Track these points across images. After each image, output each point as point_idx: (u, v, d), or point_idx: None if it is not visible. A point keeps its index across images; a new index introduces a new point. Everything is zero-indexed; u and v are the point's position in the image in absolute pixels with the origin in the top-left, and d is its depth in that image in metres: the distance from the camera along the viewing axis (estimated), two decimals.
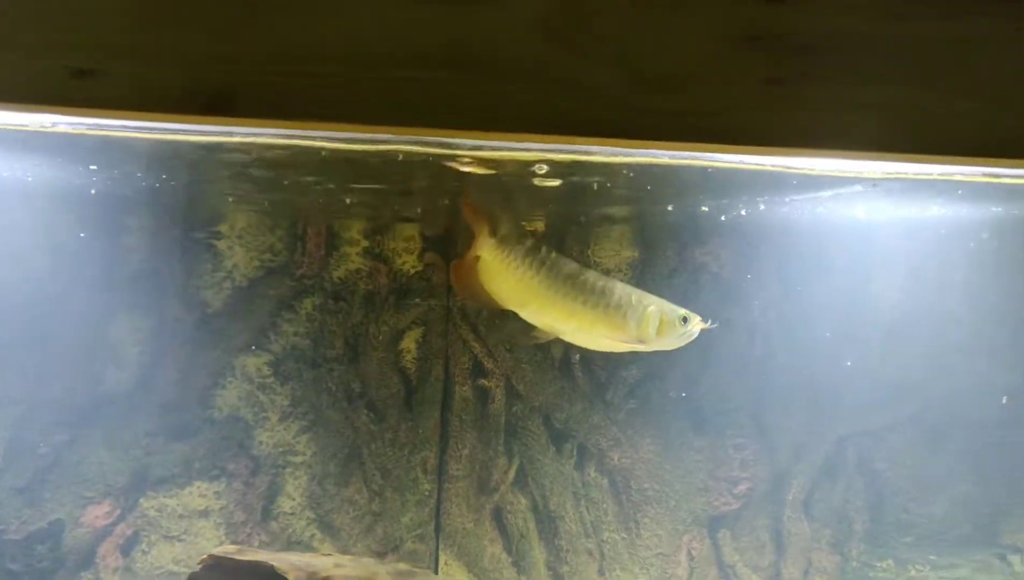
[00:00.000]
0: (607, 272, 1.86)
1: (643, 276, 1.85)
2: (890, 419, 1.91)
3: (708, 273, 1.85)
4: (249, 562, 1.34)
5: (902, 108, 0.85)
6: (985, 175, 1.06)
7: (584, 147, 1.22)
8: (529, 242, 1.44)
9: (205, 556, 1.36)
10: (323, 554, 1.44)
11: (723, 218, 1.76)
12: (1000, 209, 1.65)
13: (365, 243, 1.82)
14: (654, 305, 1.41)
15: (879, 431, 1.91)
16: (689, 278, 1.84)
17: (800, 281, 1.82)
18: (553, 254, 1.45)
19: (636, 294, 1.43)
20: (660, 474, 1.83)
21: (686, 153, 1.15)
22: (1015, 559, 1.80)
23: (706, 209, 1.75)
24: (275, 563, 1.32)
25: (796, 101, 0.83)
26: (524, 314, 1.45)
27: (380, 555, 1.74)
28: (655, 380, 1.86)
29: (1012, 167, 0.93)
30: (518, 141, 0.92)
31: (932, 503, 1.90)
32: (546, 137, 0.84)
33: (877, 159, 0.88)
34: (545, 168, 1.38)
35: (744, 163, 1.24)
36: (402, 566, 1.41)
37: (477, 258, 1.42)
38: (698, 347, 1.83)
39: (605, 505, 1.83)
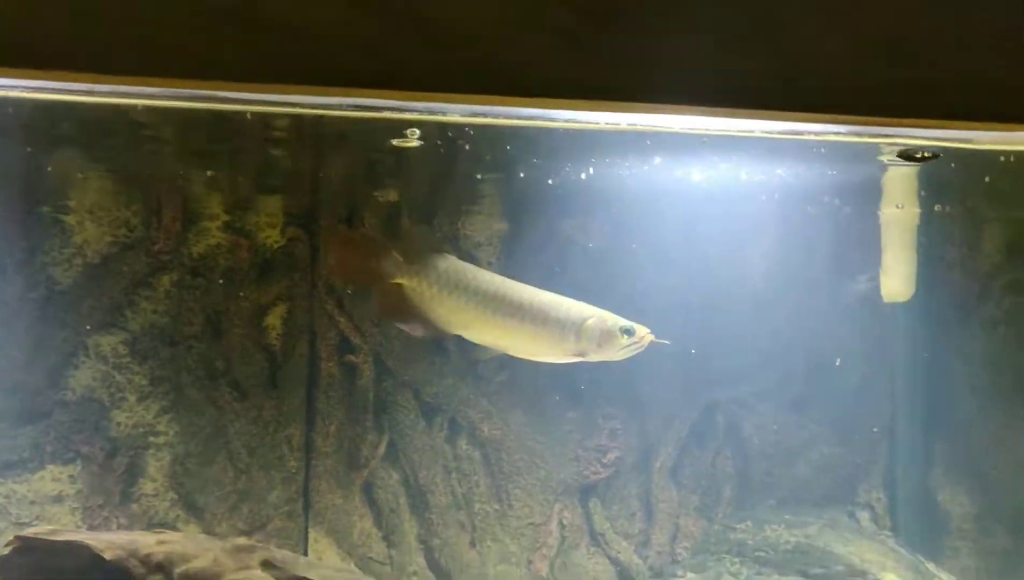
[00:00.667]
0: (478, 245, 1.86)
1: (513, 250, 1.85)
2: (758, 386, 1.96)
3: (577, 246, 1.86)
4: (64, 542, 1.28)
5: (702, 62, 0.86)
6: (787, 133, 1.07)
7: (442, 105, 1.20)
8: (445, 261, 1.41)
9: (11, 539, 1.30)
10: (150, 531, 1.39)
11: (588, 185, 1.76)
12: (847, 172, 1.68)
13: (226, 217, 1.77)
14: (593, 318, 1.41)
15: (747, 398, 1.96)
16: (558, 252, 1.85)
17: (668, 249, 1.84)
18: (470, 270, 1.42)
19: (575, 307, 1.43)
20: (531, 445, 1.84)
21: (526, 111, 1.13)
22: (863, 515, 1.87)
23: (573, 176, 1.76)
24: (92, 542, 1.27)
25: (594, 53, 0.83)
26: (468, 336, 1.44)
27: (247, 534, 1.70)
28: None
29: (813, 122, 0.94)
30: (318, 96, 0.89)
31: (795, 466, 1.97)
32: (345, 91, 0.82)
33: (675, 112, 0.89)
34: (418, 132, 1.36)
35: (597, 122, 1.21)
36: (241, 541, 1.37)
37: (399, 285, 1.39)
38: None
39: (476, 477, 1.83)
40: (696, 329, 1.83)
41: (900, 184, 1.54)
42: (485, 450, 1.83)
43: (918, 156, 1.33)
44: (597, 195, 1.79)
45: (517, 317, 1.41)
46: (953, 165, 1.48)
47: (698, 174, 1.72)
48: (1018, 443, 1.91)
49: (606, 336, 1.42)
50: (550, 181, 1.78)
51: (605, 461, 1.87)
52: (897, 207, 1.66)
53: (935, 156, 1.31)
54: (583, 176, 1.77)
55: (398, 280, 1.40)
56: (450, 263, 1.42)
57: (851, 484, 1.95)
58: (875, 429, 1.92)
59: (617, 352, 1.45)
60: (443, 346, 1.81)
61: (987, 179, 1.72)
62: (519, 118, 1.20)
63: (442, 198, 1.81)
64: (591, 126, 1.14)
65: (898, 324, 1.93)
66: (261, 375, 1.76)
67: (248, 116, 1.38)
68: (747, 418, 1.93)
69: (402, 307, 1.41)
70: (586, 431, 1.85)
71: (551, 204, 1.83)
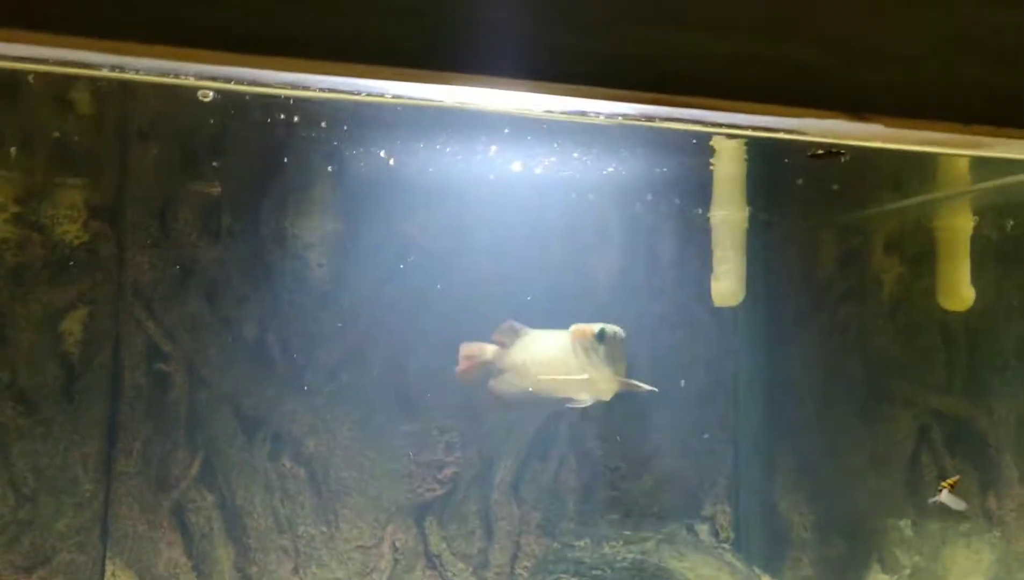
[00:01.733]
0: (307, 247, 1.72)
1: (349, 251, 1.72)
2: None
3: (417, 246, 1.75)
4: None
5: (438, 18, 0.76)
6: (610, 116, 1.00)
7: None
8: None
9: None
10: None
11: (431, 179, 1.66)
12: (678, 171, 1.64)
13: (15, 209, 1.57)
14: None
15: (590, 409, 1.90)
16: (397, 253, 1.74)
17: (508, 250, 1.76)
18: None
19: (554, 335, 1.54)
20: (361, 462, 1.71)
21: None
22: (702, 528, 1.84)
23: (413, 168, 1.65)
24: None
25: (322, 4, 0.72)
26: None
27: (27, 571, 1.49)
28: (359, 361, 1.74)
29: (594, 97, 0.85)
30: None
31: (639, 479, 1.92)
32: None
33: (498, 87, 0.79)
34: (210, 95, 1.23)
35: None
36: None
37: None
38: (407, 325, 1.75)
39: (302, 498, 1.68)
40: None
41: (729, 186, 1.51)
42: (311, 468, 1.69)
43: (821, 153, 1.26)
44: (438, 191, 1.69)
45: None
46: (787, 162, 1.47)
47: (538, 167, 1.64)
48: (853, 451, 1.94)
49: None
50: (388, 175, 1.67)
51: (441, 477, 1.75)
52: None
53: (836, 153, 1.24)
54: (427, 169, 1.67)
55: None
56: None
57: (696, 496, 1.91)
58: (705, 435, 1.89)
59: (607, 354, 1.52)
60: (266, 353, 1.66)
61: (834, 187, 1.73)
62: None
63: (267, 191, 1.67)
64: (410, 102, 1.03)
65: (739, 332, 1.92)
66: (54, 386, 1.56)
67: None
68: (590, 429, 1.87)
69: None
70: (420, 445, 1.74)
71: (389, 200, 1.72)
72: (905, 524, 1.85)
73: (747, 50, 0.87)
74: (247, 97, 1.27)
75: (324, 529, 1.69)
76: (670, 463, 1.91)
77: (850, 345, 1.91)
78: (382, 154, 1.68)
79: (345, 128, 1.54)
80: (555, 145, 1.55)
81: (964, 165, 1.46)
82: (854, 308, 1.91)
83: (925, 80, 0.90)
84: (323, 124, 1.53)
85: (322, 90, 0.92)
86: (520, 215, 1.74)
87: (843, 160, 1.18)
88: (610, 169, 1.64)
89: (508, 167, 1.69)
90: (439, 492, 1.76)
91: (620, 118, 0.99)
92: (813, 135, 1.00)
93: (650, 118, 0.98)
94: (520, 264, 1.77)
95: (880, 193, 1.73)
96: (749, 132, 1.02)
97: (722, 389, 1.94)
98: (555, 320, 1.70)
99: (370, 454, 1.71)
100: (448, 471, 1.76)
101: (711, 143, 1.55)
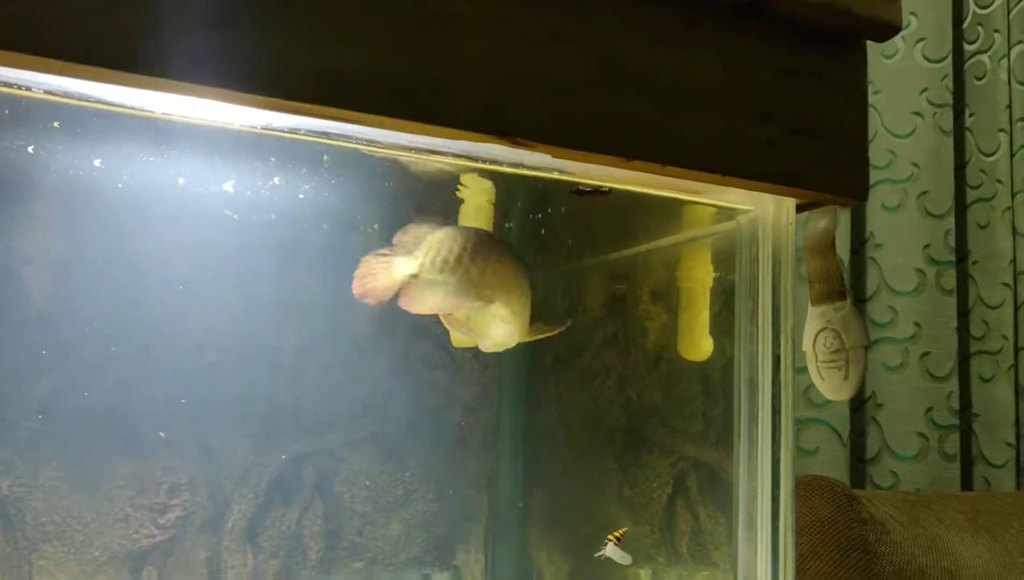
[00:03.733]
0: (24, 263, 1.55)
1: (72, 273, 1.56)
2: (350, 437, 1.81)
3: (149, 271, 1.61)
4: None
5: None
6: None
7: None
8: None
9: None
10: None
11: (159, 190, 1.53)
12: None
13: None
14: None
15: (337, 450, 1.81)
16: (128, 278, 1.59)
17: (253, 280, 1.66)
18: None
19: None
20: (65, 505, 1.54)
21: None
22: (440, 577, 1.77)
23: (133, 180, 1.52)
24: None
25: None
26: None
27: None
28: (74, 393, 1.58)
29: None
30: None
31: (387, 524, 1.83)
32: None
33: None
34: None
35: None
36: None
37: None
38: (133, 355, 1.60)
39: None
40: (282, 371, 1.65)
41: (474, 222, 1.48)
42: (4, 511, 1.50)
43: (586, 190, 1.20)
44: (174, 211, 1.57)
45: None
46: (544, 200, 1.44)
47: (289, 189, 1.55)
48: (608, 500, 1.93)
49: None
50: (121, 192, 1.53)
51: (163, 522, 1.60)
52: None
53: (600, 192, 1.19)
54: (164, 187, 1.54)
55: None
56: None
57: (449, 544, 1.84)
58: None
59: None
60: None
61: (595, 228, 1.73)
62: None
63: None
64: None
65: (501, 375, 1.88)
66: None
67: None
68: (339, 472, 1.77)
69: None
70: (140, 486, 1.58)
71: (123, 218, 1.58)
72: (646, 574, 1.84)
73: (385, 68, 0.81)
74: None
75: None
76: (421, 508, 1.84)
77: (610, 392, 1.91)
78: (115, 168, 1.54)
79: (76, 136, 1.41)
80: (285, 168, 1.47)
81: (704, 213, 1.46)
82: (615, 355, 1.91)
83: (582, 113, 0.87)
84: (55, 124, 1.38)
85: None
86: (269, 241, 1.64)
87: (607, 195, 1.15)
88: (356, 199, 1.57)
89: (254, 187, 1.59)
90: (160, 538, 1.61)
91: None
92: (489, 162, 0.96)
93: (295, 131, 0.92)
94: (268, 295, 1.67)
95: (636, 238, 1.74)
96: (405, 153, 0.97)
97: (480, 433, 1.90)
98: (314, 352, 1.60)
99: (78, 497, 1.54)
100: (172, 515, 1.61)
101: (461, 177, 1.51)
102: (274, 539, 1.74)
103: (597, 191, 1.18)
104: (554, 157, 0.86)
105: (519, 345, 1.81)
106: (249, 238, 1.59)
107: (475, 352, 1.81)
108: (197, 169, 1.47)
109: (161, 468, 1.61)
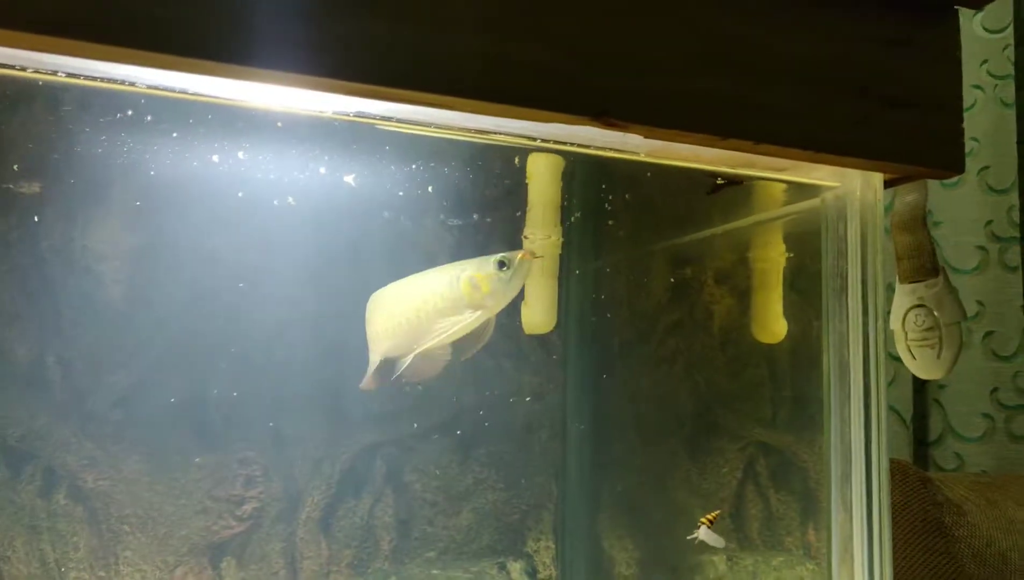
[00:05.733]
0: (100, 260, 1.57)
1: (148, 267, 1.58)
2: (419, 427, 1.82)
3: (224, 264, 1.63)
4: None
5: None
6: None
7: None
8: None
9: None
10: None
11: (232, 182, 1.54)
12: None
13: None
14: (468, 268, 1.32)
15: (407, 440, 1.82)
16: (202, 271, 1.61)
17: (322, 271, 1.66)
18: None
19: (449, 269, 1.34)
20: (147, 497, 1.56)
21: None
22: (515, 566, 1.77)
23: (209, 172, 1.53)
24: None
25: None
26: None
27: None
28: (152, 386, 1.60)
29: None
30: None
31: (458, 514, 1.84)
32: None
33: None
34: None
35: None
36: None
37: None
38: (206, 349, 1.62)
39: (76, 538, 1.52)
40: (351, 362, 1.66)
41: (541, 209, 1.47)
42: (90, 505, 1.53)
43: (721, 182, 1.19)
44: (247, 204, 1.58)
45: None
46: (607, 186, 1.43)
47: (351, 180, 1.56)
48: (677, 486, 1.91)
49: (487, 280, 1.32)
50: (195, 184, 1.54)
51: (240, 513, 1.62)
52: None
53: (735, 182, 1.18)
54: (239, 179, 1.55)
55: None
56: None
57: (519, 532, 1.84)
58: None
59: (507, 287, 1.34)
60: (42, 377, 1.51)
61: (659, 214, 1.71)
62: None
63: (51, 194, 1.52)
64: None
65: (567, 361, 1.87)
66: None
67: None
68: (408, 462, 1.77)
69: None
70: (218, 478, 1.60)
71: (197, 211, 1.60)
72: (719, 559, 1.82)
73: (473, 48, 0.80)
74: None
75: (102, 574, 1.53)
76: (492, 497, 1.84)
77: (678, 377, 1.90)
78: (191, 160, 1.55)
79: (160, 126, 1.42)
80: (368, 156, 1.47)
81: (778, 192, 1.44)
82: (682, 339, 1.89)
83: (677, 91, 0.86)
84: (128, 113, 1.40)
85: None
86: (334, 232, 1.65)
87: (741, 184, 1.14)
88: (422, 185, 1.57)
89: (323, 179, 1.60)
90: (238, 530, 1.63)
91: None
92: (579, 144, 0.95)
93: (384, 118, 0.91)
94: (332, 285, 1.68)
95: (708, 220, 1.72)
96: (504, 139, 0.96)
97: (548, 420, 1.89)
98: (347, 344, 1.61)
99: (159, 489, 1.57)
100: (248, 507, 1.63)
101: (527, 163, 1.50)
102: (347, 529, 1.75)
103: (731, 182, 1.17)
104: (646, 137, 0.85)
105: (582, 328, 1.80)
106: (320, 230, 1.60)
107: (541, 340, 1.81)
108: (259, 155, 1.48)
109: (237, 460, 1.63)
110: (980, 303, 2.62)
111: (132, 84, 0.74)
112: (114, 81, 0.73)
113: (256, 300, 1.59)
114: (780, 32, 0.84)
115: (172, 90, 0.75)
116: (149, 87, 0.75)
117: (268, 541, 1.67)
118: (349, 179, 1.53)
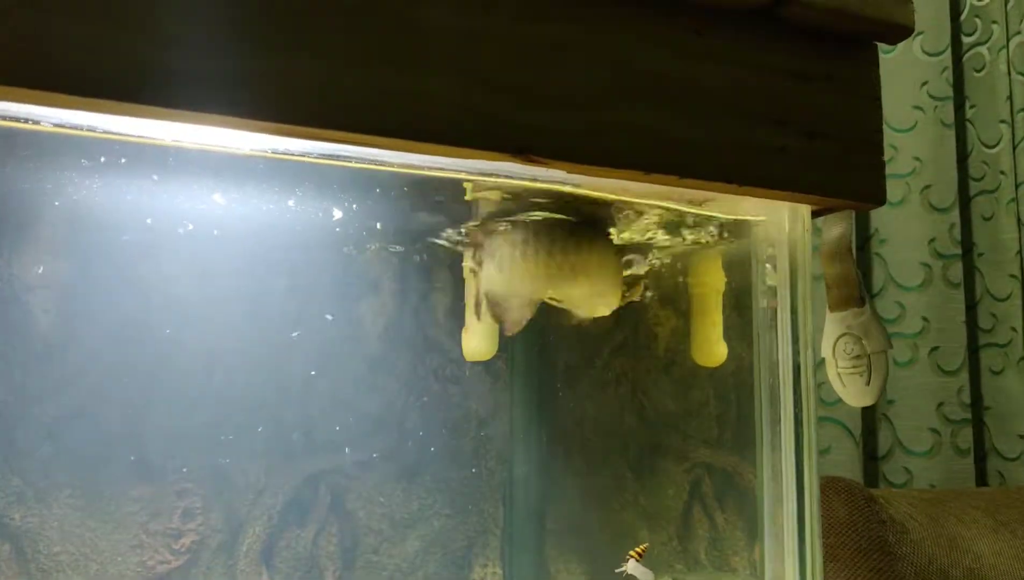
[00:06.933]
0: (29, 290, 1.54)
1: (79, 297, 1.55)
2: (364, 455, 1.80)
3: (158, 293, 1.60)
4: None
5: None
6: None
7: None
8: None
9: None
10: None
11: (165, 213, 1.52)
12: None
13: None
14: None
15: (350, 468, 1.80)
16: (136, 301, 1.58)
17: (264, 301, 1.64)
18: None
19: None
20: (79, 533, 1.52)
21: None
22: None
23: (139, 202, 1.51)
24: None
25: None
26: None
27: None
28: (83, 418, 1.56)
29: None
30: None
31: (403, 542, 1.82)
32: None
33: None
34: None
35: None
36: None
37: None
38: (141, 379, 1.59)
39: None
40: (293, 390, 1.64)
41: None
42: (18, 543, 1.49)
43: None
44: (183, 234, 1.56)
45: None
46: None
47: (292, 211, 1.54)
48: (624, 507, 1.91)
49: None
50: (127, 215, 1.52)
51: (177, 547, 1.59)
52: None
53: None
54: (171, 210, 1.53)
55: None
56: None
57: (466, 558, 1.83)
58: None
59: None
60: None
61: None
62: None
63: None
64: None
65: (512, 386, 1.86)
66: None
67: None
68: (353, 490, 1.75)
69: None
70: (153, 511, 1.57)
71: (130, 242, 1.57)
72: None
73: (393, 85, 0.80)
74: None
75: None
76: (438, 524, 1.82)
77: (624, 399, 1.90)
78: (123, 192, 1.53)
79: (81, 162, 1.40)
80: (299, 191, 1.46)
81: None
82: (628, 361, 1.90)
83: (598, 127, 0.86)
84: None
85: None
86: (270, 261, 1.63)
87: None
88: (371, 217, 1.56)
89: (260, 209, 1.58)
90: (175, 564, 1.59)
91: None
92: (502, 178, 0.95)
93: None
94: (278, 315, 1.66)
95: (650, 245, 1.73)
96: (435, 173, 0.96)
97: (494, 445, 1.88)
98: (321, 370, 1.59)
99: (91, 524, 1.53)
100: (186, 540, 1.60)
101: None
102: (290, 560, 1.72)
103: None
104: (569, 173, 0.85)
105: (527, 351, 1.80)
106: (256, 259, 1.58)
107: (485, 365, 1.80)
108: (189, 191, 1.46)
109: (175, 492, 1.60)
110: (925, 319, 2.67)
111: (36, 122, 0.72)
112: (17, 120, 0.72)
113: (193, 330, 1.57)
114: (696, 65, 0.84)
115: (79, 128, 0.74)
116: (56, 125, 0.74)
117: (207, 575, 1.63)
118: (286, 207, 1.52)
